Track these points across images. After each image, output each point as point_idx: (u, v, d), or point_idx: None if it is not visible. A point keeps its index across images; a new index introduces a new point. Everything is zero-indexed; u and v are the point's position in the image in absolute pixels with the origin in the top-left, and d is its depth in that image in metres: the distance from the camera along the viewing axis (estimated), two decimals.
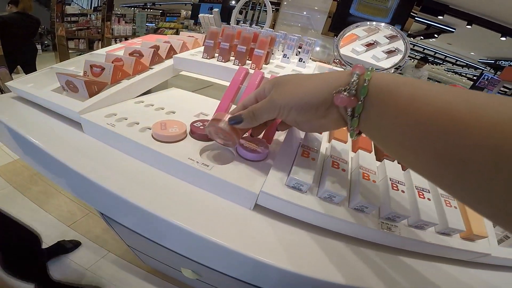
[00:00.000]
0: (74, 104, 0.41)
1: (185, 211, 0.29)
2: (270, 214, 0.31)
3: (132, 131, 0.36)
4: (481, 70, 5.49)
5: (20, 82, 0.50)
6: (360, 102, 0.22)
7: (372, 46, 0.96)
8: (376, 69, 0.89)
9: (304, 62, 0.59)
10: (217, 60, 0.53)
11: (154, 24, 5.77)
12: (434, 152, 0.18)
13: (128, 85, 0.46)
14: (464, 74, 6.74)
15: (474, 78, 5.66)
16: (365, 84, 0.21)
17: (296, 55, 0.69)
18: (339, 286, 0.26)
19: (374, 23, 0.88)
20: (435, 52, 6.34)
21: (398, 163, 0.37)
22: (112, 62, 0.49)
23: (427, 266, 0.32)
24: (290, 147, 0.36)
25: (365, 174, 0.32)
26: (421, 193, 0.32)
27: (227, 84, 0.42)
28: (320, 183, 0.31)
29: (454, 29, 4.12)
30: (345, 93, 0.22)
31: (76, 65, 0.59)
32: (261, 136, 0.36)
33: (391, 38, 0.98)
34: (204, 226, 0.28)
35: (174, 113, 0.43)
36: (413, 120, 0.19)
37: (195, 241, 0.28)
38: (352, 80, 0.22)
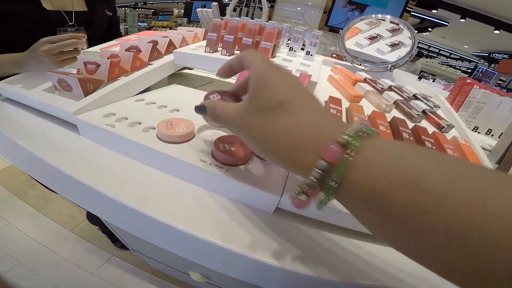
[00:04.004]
0: (68, 104, 0.37)
1: (198, 218, 0.26)
2: (292, 217, 0.29)
3: (135, 132, 0.32)
4: (475, 63, 5.55)
5: (8, 83, 0.46)
6: (323, 198, 0.17)
7: (375, 40, 0.94)
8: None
9: (311, 55, 0.56)
10: (221, 54, 0.50)
11: (146, 24, 5.67)
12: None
13: (126, 83, 0.42)
14: (458, 67, 6.81)
15: (468, 71, 5.72)
16: (333, 184, 0.16)
17: (301, 49, 0.66)
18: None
19: (379, 15, 0.86)
20: (429, 46, 6.38)
21: None
22: (108, 58, 0.46)
23: None
24: None
25: None
26: None
27: (230, 80, 0.39)
28: None
29: (448, 22, 4.14)
30: (303, 197, 0.17)
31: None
32: None
33: (393, 31, 0.97)
34: (220, 233, 0.25)
35: (178, 111, 0.40)
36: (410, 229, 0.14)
37: (211, 250, 0.25)
38: (311, 177, 0.16)
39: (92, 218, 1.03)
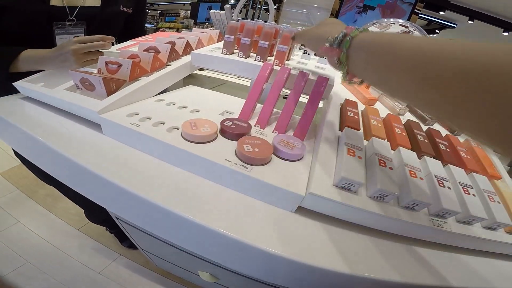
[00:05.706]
0: (92, 103, 0.38)
1: (223, 216, 0.27)
2: (313, 216, 0.29)
3: (159, 131, 0.33)
4: None
5: (29, 82, 0.47)
6: (342, 53, 0.28)
7: None
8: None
9: (325, 58, 0.57)
10: (238, 56, 0.50)
11: (153, 25, 5.72)
12: (411, 77, 0.20)
13: (148, 83, 0.43)
14: None
15: None
16: (348, 39, 0.27)
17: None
18: (396, 285, 0.25)
19: (391, 19, 0.86)
20: None
21: (435, 158, 0.36)
22: (128, 59, 0.47)
23: (476, 260, 0.31)
24: (327, 144, 0.34)
25: (411, 172, 0.30)
26: (465, 189, 0.32)
27: (242, 81, 0.40)
28: (371, 182, 0.29)
29: (456, 24, 4.10)
30: (327, 44, 0.29)
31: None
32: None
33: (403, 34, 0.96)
34: (245, 231, 0.26)
35: (198, 111, 0.41)
36: (391, 58, 0.22)
37: (236, 249, 0.26)
38: (337, 36, 0.28)
39: (95, 218, 1.00)
